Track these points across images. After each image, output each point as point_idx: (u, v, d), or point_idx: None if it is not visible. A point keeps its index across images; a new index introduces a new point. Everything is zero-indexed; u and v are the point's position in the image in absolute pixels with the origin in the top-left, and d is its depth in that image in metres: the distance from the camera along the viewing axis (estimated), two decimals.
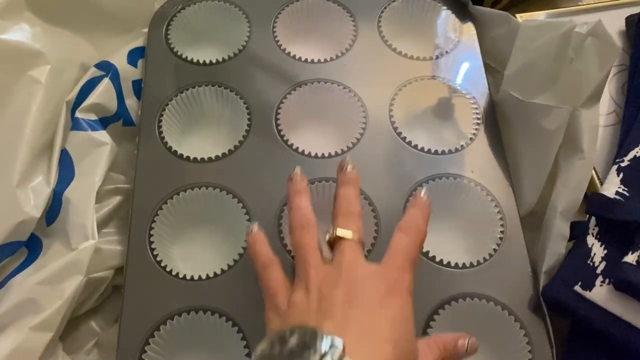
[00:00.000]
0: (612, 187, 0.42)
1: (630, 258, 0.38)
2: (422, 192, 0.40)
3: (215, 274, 0.42)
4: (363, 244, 0.38)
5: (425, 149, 0.48)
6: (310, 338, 0.30)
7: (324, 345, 0.29)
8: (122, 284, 0.42)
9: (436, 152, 0.47)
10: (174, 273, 0.42)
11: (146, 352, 0.40)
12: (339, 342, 0.29)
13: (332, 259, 0.37)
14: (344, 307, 0.33)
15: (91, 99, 0.47)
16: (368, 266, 0.36)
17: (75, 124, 0.46)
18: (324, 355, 0.29)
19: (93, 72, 0.48)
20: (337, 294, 0.34)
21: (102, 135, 0.46)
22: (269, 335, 0.31)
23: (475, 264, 0.43)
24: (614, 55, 0.42)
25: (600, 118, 0.51)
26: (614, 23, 0.55)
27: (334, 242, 0.38)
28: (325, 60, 0.52)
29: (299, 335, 0.30)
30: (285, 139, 0.48)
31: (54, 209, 0.43)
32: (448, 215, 0.46)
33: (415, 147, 0.48)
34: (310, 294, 0.35)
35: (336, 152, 0.47)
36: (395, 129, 0.49)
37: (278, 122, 0.49)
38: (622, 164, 0.44)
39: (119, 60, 0.50)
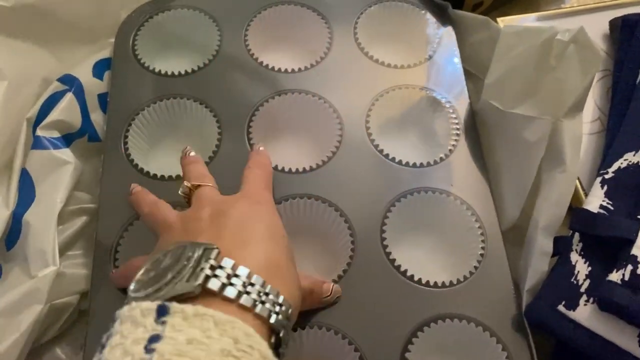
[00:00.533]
0: (596, 200, 0.41)
1: (615, 276, 0.36)
2: (259, 146, 0.44)
3: None
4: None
5: (403, 162, 0.46)
6: (181, 252, 0.30)
7: (197, 252, 0.29)
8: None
9: (414, 165, 0.46)
10: None
11: None
12: (211, 246, 0.29)
13: (191, 204, 0.37)
14: (212, 222, 0.33)
15: (54, 115, 0.45)
16: (227, 195, 0.37)
17: (36, 143, 0.44)
18: (199, 261, 0.29)
19: (56, 86, 0.46)
20: (203, 215, 0.34)
21: (65, 154, 0.44)
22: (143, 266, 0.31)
23: (455, 282, 0.41)
24: (597, 63, 0.41)
25: (585, 126, 0.50)
26: (598, 26, 0.54)
27: (190, 195, 0.38)
28: (300, 70, 0.50)
29: (172, 254, 0.30)
30: None
31: (13, 232, 0.41)
32: (427, 231, 0.45)
33: (393, 160, 0.46)
34: (172, 227, 0.35)
35: (311, 166, 0.46)
36: (372, 141, 0.47)
37: (250, 136, 0.47)
38: (606, 176, 0.42)
39: (84, 73, 0.48)
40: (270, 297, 0.29)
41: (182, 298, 0.27)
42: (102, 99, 0.49)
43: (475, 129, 0.48)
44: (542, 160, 0.42)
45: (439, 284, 0.41)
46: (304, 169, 0.45)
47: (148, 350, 0.24)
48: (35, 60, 0.47)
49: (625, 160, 0.42)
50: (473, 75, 0.51)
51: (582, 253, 0.40)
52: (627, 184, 0.41)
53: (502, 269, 0.42)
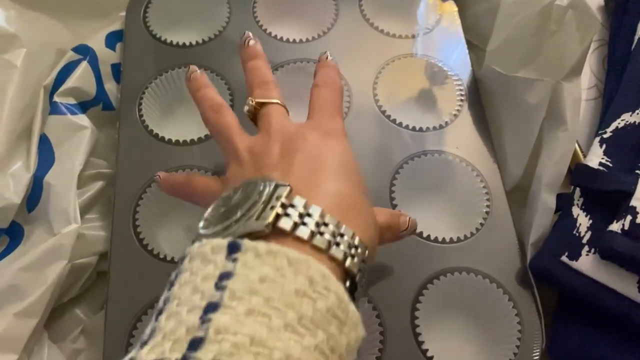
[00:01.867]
0: (595, 158, 0.43)
1: (615, 226, 0.38)
2: (325, 55, 0.40)
3: None
4: (287, 110, 0.36)
5: (410, 127, 0.47)
6: (252, 188, 0.28)
7: (267, 190, 0.27)
8: (106, 270, 0.42)
9: (421, 130, 0.47)
10: (160, 256, 0.42)
11: (134, 337, 0.39)
12: (283, 183, 0.28)
13: (258, 128, 0.35)
14: (283, 158, 0.31)
15: (69, 82, 0.46)
16: (297, 123, 0.35)
17: (53, 108, 0.45)
18: (269, 198, 0.27)
19: (71, 55, 0.48)
20: (273, 150, 0.32)
21: (82, 119, 0.45)
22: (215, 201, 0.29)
23: (462, 238, 0.43)
24: (594, 28, 0.42)
25: (582, 92, 0.51)
26: None
27: (256, 112, 0.36)
28: (307, 40, 0.51)
29: (242, 190, 0.28)
30: None
31: (34, 194, 0.42)
32: (434, 191, 0.46)
33: (400, 125, 0.48)
34: (243, 161, 0.33)
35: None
36: (379, 107, 0.48)
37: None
38: (605, 136, 0.44)
39: (97, 44, 0.49)
40: (345, 238, 0.27)
41: (252, 237, 0.26)
42: (115, 69, 0.50)
43: (478, 95, 0.49)
44: (544, 121, 0.44)
45: (447, 240, 0.43)
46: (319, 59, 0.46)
47: (219, 287, 0.23)
48: (50, 32, 0.48)
49: (622, 120, 0.44)
50: (474, 45, 0.53)
51: (583, 207, 0.41)
52: (624, 142, 0.43)
53: (506, 225, 0.44)
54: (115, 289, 0.41)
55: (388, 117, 0.48)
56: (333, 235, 0.27)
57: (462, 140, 0.47)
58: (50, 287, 0.39)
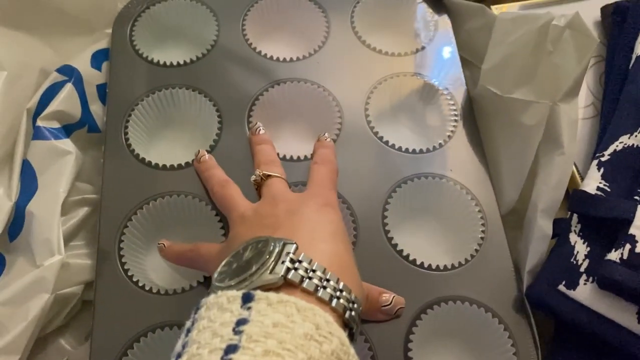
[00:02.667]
0: (593, 182, 0.42)
1: (614, 255, 0.37)
2: (324, 136, 0.45)
3: (190, 286, 0.41)
4: (288, 185, 0.41)
5: (403, 148, 0.46)
6: (263, 245, 0.31)
7: (277, 247, 0.31)
8: (92, 299, 0.41)
9: (414, 151, 0.46)
10: (146, 288, 0.40)
11: None
12: (290, 241, 0.31)
13: (262, 195, 0.39)
14: (288, 218, 0.35)
15: (53, 105, 0.45)
16: (297, 193, 0.39)
17: (37, 133, 0.44)
18: (280, 254, 0.30)
19: (55, 77, 0.46)
20: (278, 211, 0.36)
21: (66, 144, 0.44)
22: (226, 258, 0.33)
23: (456, 265, 0.42)
24: (592, 48, 0.41)
25: (579, 111, 0.50)
26: (590, 13, 0.55)
27: (261, 183, 0.40)
28: (298, 59, 0.50)
29: (252, 247, 0.32)
30: None
31: (16, 223, 0.41)
32: (428, 216, 0.45)
33: (393, 146, 0.46)
34: (247, 220, 0.37)
35: (311, 154, 0.46)
36: (371, 128, 0.47)
37: (250, 124, 0.47)
38: (603, 159, 0.43)
39: (82, 64, 0.48)
40: (344, 293, 0.31)
41: (264, 288, 0.29)
42: (101, 90, 0.49)
43: (473, 115, 0.48)
44: (540, 144, 0.43)
45: (441, 267, 0.42)
46: (305, 156, 0.46)
47: (236, 332, 0.25)
48: (33, 51, 0.47)
49: (620, 142, 0.43)
50: (469, 62, 0.52)
51: (580, 234, 0.41)
52: (623, 166, 0.42)
53: (502, 251, 0.43)
54: (101, 320, 0.40)
55: (380, 138, 0.47)
56: (334, 289, 0.30)
57: (456, 162, 0.46)
58: (32, 323, 0.38)
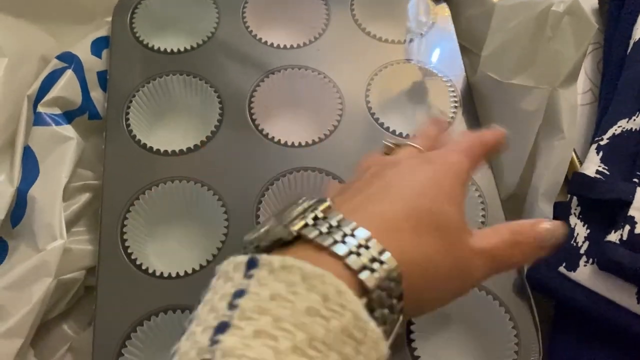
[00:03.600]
0: (592, 166, 0.42)
1: (613, 237, 0.38)
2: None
3: (193, 270, 0.41)
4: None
5: (404, 134, 0.47)
6: (295, 201, 0.28)
7: (306, 203, 0.27)
8: (94, 284, 0.41)
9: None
10: (149, 271, 0.40)
11: (123, 355, 0.38)
12: (324, 199, 0.27)
13: None
14: (365, 181, 0.30)
15: (54, 92, 0.45)
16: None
17: (37, 119, 0.43)
18: (306, 210, 0.26)
19: (55, 64, 0.46)
20: (368, 174, 0.31)
21: (67, 130, 0.44)
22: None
23: None
24: (590, 33, 0.42)
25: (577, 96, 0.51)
26: (587, 1, 0.55)
27: (390, 152, 0.35)
28: (298, 46, 0.50)
29: (291, 205, 0.27)
30: (259, 128, 0.46)
31: (18, 209, 0.41)
32: None
33: (393, 132, 0.47)
34: (344, 190, 0.31)
35: (313, 140, 0.46)
36: (372, 114, 0.48)
37: (252, 110, 0.47)
38: (602, 142, 0.43)
39: (82, 51, 0.48)
40: (371, 250, 0.25)
41: (277, 244, 0.26)
42: (102, 77, 0.48)
43: (472, 101, 0.49)
44: (540, 129, 0.43)
45: None
46: (307, 142, 0.46)
47: (232, 306, 0.22)
48: (33, 39, 0.47)
49: (619, 126, 0.44)
50: (468, 49, 0.52)
51: (580, 216, 0.41)
52: (621, 149, 0.42)
53: None
54: (104, 305, 0.40)
55: (381, 124, 0.47)
56: (358, 246, 0.25)
57: None
58: (36, 306, 0.38)
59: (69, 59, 0.46)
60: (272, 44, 0.50)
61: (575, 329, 0.40)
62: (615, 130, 0.43)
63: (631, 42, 0.48)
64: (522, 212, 0.44)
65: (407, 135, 0.46)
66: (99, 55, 0.49)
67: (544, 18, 0.42)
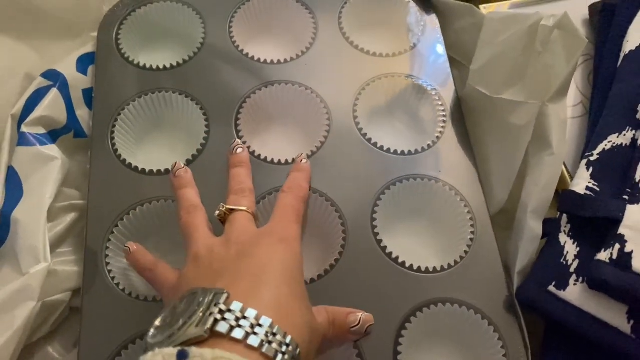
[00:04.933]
0: (582, 182, 0.42)
1: (603, 255, 0.37)
2: (301, 157, 0.43)
3: None
4: (255, 217, 0.39)
5: (392, 150, 0.46)
6: (193, 298, 0.30)
7: (207, 299, 0.30)
8: (79, 306, 0.40)
9: (402, 153, 0.46)
10: (133, 295, 0.40)
11: None
12: (221, 291, 0.30)
13: (223, 232, 0.38)
14: (236, 262, 0.34)
15: (38, 111, 0.44)
16: (258, 229, 0.38)
17: (22, 139, 0.43)
18: (209, 305, 0.29)
19: (39, 82, 0.46)
20: (229, 252, 0.35)
21: (52, 150, 0.44)
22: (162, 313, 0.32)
23: (446, 267, 0.42)
24: (580, 48, 0.41)
25: (568, 110, 0.50)
26: (578, 11, 0.55)
27: (226, 217, 0.39)
28: (285, 61, 0.50)
29: (187, 299, 0.31)
30: (246, 145, 0.46)
31: (2, 231, 0.41)
32: (417, 218, 0.45)
33: (381, 148, 0.46)
34: (199, 261, 0.35)
35: None
36: (360, 130, 0.47)
37: (238, 127, 0.47)
38: (592, 158, 0.43)
39: (68, 68, 0.47)
40: (278, 337, 0.29)
41: (193, 342, 0.28)
42: (87, 95, 0.48)
43: (461, 115, 0.48)
44: (529, 144, 0.43)
45: (430, 270, 0.42)
46: (294, 159, 0.45)
47: None
48: (17, 56, 0.46)
49: (609, 142, 0.43)
50: (457, 62, 0.51)
51: (570, 234, 0.40)
52: (611, 165, 0.42)
53: (491, 252, 0.42)
54: (88, 328, 0.40)
55: (369, 140, 0.47)
56: (266, 334, 0.29)
57: (445, 163, 0.46)
58: (18, 331, 0.37)
59: (54, 77, 0.46)
60: (258, 59, 0.50)
61: (566, 348, 0.39)
62: (606, 145, 0.43)
63: (621, 55, 0.48)
64: (512, 226, 0.44)
65: (395, 151, 0.46)
66: (84, 72, 0.49)
67: (533, 32, 0.42)
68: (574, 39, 0.41)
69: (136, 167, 0.45)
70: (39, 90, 0.45)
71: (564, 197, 0.41)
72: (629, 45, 0.48)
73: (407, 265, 0.42)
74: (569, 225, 0.41)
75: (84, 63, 0.49)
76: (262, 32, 0.53)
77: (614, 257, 0.36)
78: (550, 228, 0.41)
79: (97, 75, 0.49)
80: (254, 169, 0.45)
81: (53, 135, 0.45)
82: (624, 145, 0.42)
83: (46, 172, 0.43)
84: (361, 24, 0.53)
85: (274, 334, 0.29)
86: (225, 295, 0.30)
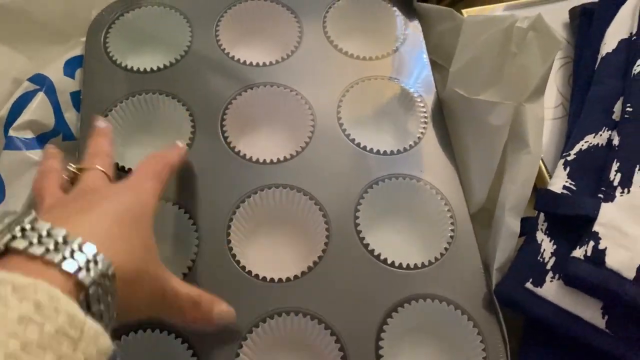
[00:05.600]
0: (559, 181, 0.43)
1: (578, 252, 0.38)
2: (178, 142, 0.43)
3: None
4: (110, 178, 0.37)
5: (374, 150, 0.47)
6: (11, 220, 0.28)
7: (12, 219, 0.27)
8: None
9: (385, 153, 0.47)
10: None
11: None
12: (28, 212, 0.28)
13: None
14: (72, 198, 0.33)
15: (26, 115, 0.45)
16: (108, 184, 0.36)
17: (9, 143, 0.44)
18: (10, 225, 0.27)
19: (26, 86, 0.46)
20: (67, 200, 0.33)
21: (38, 155, 0.44)
22: None
23: (426, 264, 0.43)
24: (555, 48, 0.42)
25: (548, 111, 0.51)
26: (559, 15, 0.56)
27: (76, 178, 0.37)
28: (271, 63, 0.51)
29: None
30: (232, 145, 0.47)
31: None
32: (399, 215, 0.46)
33: (364, 148, 0.47)
34: (39, 212, 0.31)
35: (285, 157, 0.46)
36: (343, 130, 0.48)
37: (224, 128, 0.47)
38: (569, 158, 0.44)
39: (55, 72, 0.48)
40: (85, 252, 0.27)
41: None
42: (75, 98, 0.49)
43: (442, 117, 0.49)
44: (507, 143, 0.44)
45: (412, 266, 0.42)
46: (278, 159, 0.46)
47: None
48: (5, 60, 0.47)
49: (586, 142, 0.44)
50: (439, 65, 0.52)
51: (547, 232, 0.41)
52: (588, 165, 0.43)
53: (471, 249, 0.43)
54: None
55: (352, 140, 0.47)
56: (72, 252, 0.26)
57: (426, 163, 0.47)
58: None
59: (41, 81, 0.47)
60: (244, 62, 0.51)
61: (544, 343, 0.40)
62: (582, 145, 0.44)
63: (599, 58, 0.49)
64: (491, 224, 0.45)
65: (378, 151, 0.47)
66: (72, 76, 0.49)
67: (509, 34, 0.43)
68: (549, 39, 0.42)
69: (123, 167, 0.45)
70: (25, 95, 0.46)
71: (540, 195, 0.42)
72: (606, 47, 0.49)
73: (389, 261, 0.42)
74: (545, 224, 0.42)
75: (71, 66, 0.50)
76: (248, 36, 0.54)
77: (589, 253, 0.37)
78: (527, 227, 0.42)
79: (85, 78, 0.49)
80: (239, 169, 0.46)
81: (41, 139, 0.45)
82: (600, 145, 0.43)
83: (30, 176, 0.43)
84: (345, 28, 0.54)
85: (81, 250, 0.27)
86: (31, 216, 0.27)
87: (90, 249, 0.27)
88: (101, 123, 0.42)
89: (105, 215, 0.30)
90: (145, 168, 0.37)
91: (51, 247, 0.26)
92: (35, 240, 0.26)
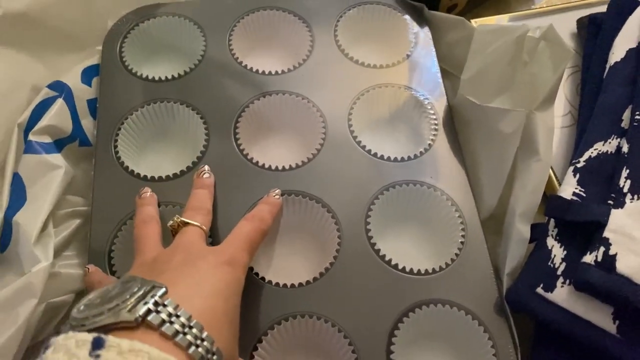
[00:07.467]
0: (569, 188, 0.43)
1: (589, 258, 0.38)
2: (275, 192, 0.44)
3: None
4: (207, 235, 0.40)
5: (385, 157, 0.48)
6: (130, 284, 0.30)
7: (144, 288, 0.29)
8: None
9: (396, 160, 0.47)
10: None
11: None
12: (160, 285, 0.30)
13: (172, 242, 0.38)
14: (178, 267, 0.34)
15: (45, 120, 0.46)
16: (208, 246, 0.38)
17: (28, 147, 0.45)
18: (145, 295, 0.29)
19: (46, 92, 0.47)
20: (173, 259, 0.35)
21: (56, 159, 0.45)
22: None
23: (437, 269, 0.43)
24: (566, 58, 0.43)
25: (557, 119, 0.52)
26: (567, 25, 0.56)
27: (178, 229, 0.39)
28: (283, 72, 0.52)
29: (121, 284, 0.30)
30: (245, 153, 0.48)
31: (6, 235, 0.42)
32: (409, 221, 0.46)
33: (375, 155, 0.48)
34: (144, 265, 0.35)
35: (297, 164, 0.47)
36: (354, 137, 0.49)
37: (237, 136, 0.48)
38: (578, 165, 0.44)
39: (73, 80, 0.49)
40: (205, 343, 0.29)
41: (120, 327, 0.27)
42: (92, 105, 0.50)
43: (453, 124, 0.50)
44: (517, 150, 0.44)
45: (422, 272, 0.43)
46: (290, 166, 0.47)
47: None
48: (24, 68, 0.48)
49: (595, 149, 0.44)
50: (449, 73, 0.53)
51: (557, 238, 0.42)
52: (597, 172, 0.43)
53: (482, 255, 0.44)
54: None
55: (363, 147, 0.48)
56: (195, 337, 0.29)
57: (437, 169, 0.47)
58: (22, 327, 0.38)
59: (60, 88, 0.48)
60: (257, 70, 0.52)
61: (554, 348, 0.40)
62: (592, 153, 0.44)
63: (607, 67, 0.49)
64: (501, 231, 0.45)
65: (389, 157, 0.47)
66: (89, 84, 0.50)
67: (520, 43, 0.44)
68: (560, 49, 0.43)
69: (138, 174, 0.46)
70: (45, 101, 0.47)
71: (551, 202, 0.42)
72: (614, 56, 0.49)
73: (400, 267, 0.43)
74: (556, 230, 0.42)
75: (88, 75, 0.51)
76: (260, 45, 0.55)
77: (599, 259, 0.37)
78: (538, 233, 0.43)
79: (101, 86, 0.50)
80: (251, 176, 0.46)
81: (59, 144, 0.46)
82: (609, 152, 0.44)
83: (50, 179, 0.44)
84: (356, 37, 0.55)
85: (202, 339, 0.29)
86: (163, 290, 0.30)
87: (209, 340, 0.30)
88: (206, 174, 0.44)
89: (216, 303, 0.33)
90: (243, 236, 0.39)
91: (179, 328, 0.28)
92: (165, 317, 0.28)
